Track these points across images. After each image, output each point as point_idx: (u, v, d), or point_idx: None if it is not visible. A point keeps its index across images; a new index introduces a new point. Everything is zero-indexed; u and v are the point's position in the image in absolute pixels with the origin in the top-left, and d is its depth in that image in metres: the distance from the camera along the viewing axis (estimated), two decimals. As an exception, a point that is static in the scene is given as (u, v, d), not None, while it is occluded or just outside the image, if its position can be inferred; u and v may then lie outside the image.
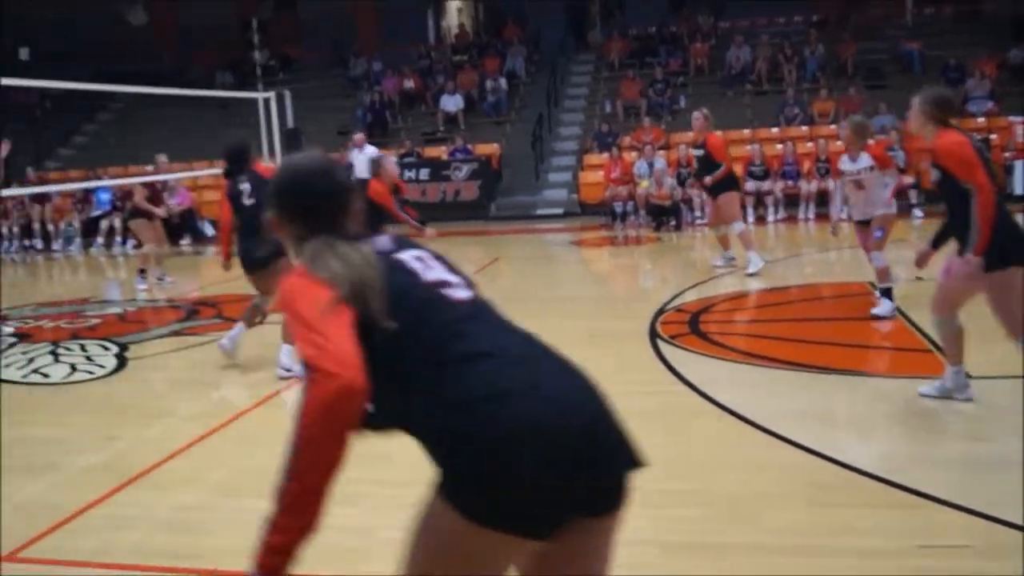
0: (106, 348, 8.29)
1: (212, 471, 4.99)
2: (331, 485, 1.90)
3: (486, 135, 20.86)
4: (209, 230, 18.64)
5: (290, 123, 14.64)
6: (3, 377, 7.56)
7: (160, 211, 11.85)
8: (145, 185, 12.11)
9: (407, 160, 19.35)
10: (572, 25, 24.36)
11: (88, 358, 7.95)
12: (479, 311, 2.11)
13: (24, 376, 7.49)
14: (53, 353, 8.19)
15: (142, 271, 11.84)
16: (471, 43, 24.99)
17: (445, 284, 2.10)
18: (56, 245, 19.08)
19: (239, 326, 7.52)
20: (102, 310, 10.67)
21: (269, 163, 14.12)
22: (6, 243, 19.44)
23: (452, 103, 21.42)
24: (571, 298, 9.92)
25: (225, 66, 25.25)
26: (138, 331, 9.15)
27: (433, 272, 2.12)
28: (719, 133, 11.40)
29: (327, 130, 21.30)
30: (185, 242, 17.95)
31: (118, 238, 18.02)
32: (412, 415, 2.05)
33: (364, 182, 14.97)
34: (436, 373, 1.97)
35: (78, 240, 18.80)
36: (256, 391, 6.58)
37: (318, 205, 2.16)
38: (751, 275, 10.10)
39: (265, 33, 21.16)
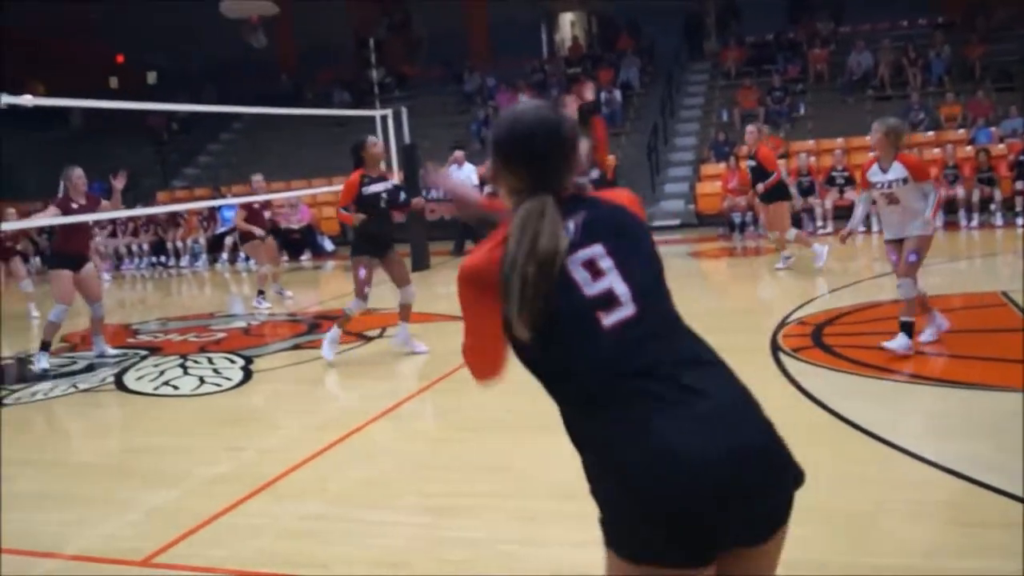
0: (232, 361, 8.51)
1: (333, 482, 5.05)
2: None
3: (600, 147, 20.76)
4: (329, 245, 19.03)
5: (407, 139, 14.80)
6: (135, 389, 7.83)
7: (258, 230, 12.07)
8: (243, 206, 12.36)
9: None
10: (687, 34, 24.11)
11: (215, 371, 8.17)
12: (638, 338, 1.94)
13: (155, 388, 7.75)
14: (182, 366, 8.45)
15: (260, 292, 12.09)
16: (585, 55, 24.98)
17: (607, 302, 1.94)
18: (183, 261, 19.75)
19: (333, 330, 8.11)
20: (227, 324, 10.98)
21: (390, 175, 14.33)
22: (136, 260, 20.22)
23: (566, 116, 21.39)
24: (690, 312, 9.71)
25: (342, 85, 25.81)
26: (262, 344, 9.37)
27: (599, 284, 1.95)
28: (770, 144, 12.68)
29: (442, 145, 21.51)
30: (305, 257, 18.37)
31: (241, 254, 18.53)
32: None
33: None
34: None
35: (204, 256, 19.42)
36: (377, 403, 6.65)
37: (543, 154, 2.03)
38: (819, 268, 11.42)
39: (381, 52, 21.55)
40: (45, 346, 8.88)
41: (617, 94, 21.90)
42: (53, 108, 27.53)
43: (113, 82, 30.48)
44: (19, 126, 27.85)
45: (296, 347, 9.19)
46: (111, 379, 8.29)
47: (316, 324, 10.16)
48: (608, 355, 1.89)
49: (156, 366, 8.46)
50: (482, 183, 17.46)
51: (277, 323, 10.83)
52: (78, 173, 8.78)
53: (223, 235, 19.04)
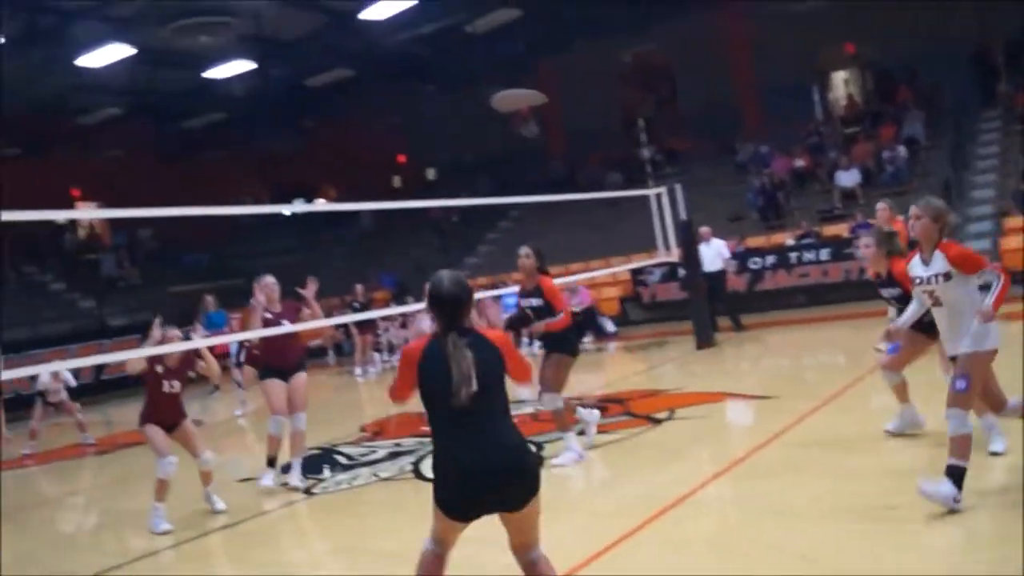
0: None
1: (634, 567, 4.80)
2: None
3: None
4: (610, 326, 19.00)
5: (682, 215, 14.58)
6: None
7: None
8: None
9: (805, 241, 18.70)
10: (975, 78, 22.46)
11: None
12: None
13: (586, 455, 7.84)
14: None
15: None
16: (862, 112, 23.94)
17: (469, 383, 3.93)
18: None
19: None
20: (517, 409, 11.01)
21: (667, 254, 14.12)
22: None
23: (848, 178, 20.49)
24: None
25: (613, 166, 26.03)
26: (551, 431, 9.28)
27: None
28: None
29: (717, 218, 21.15)
30: (587, 339, 18.38)
31: (525, 339, 18.79)
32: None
33: (712, 275, 14.58)
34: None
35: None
36: (671, 489, 6.36)
37: (452, 307, 4.05)
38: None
39: (650, 129, 21.54)
40: (270, 462, 8.58)
41: (901, 150, 20.71)
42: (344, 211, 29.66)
43: (396, 181, 32.33)
44: (315, 227, 30.08)
45: (582, 432, 9.04)
46: (410, 468, 8.47)
47: (602, 407, 9.99)
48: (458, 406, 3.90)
49: (580, 434, 8.50)
50: (734, 255, 16.90)
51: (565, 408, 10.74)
52: (269, 281, 8.62)
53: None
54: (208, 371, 7.93)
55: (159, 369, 7.52)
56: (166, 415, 7.62)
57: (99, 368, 19.96)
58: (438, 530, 4.10)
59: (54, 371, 11.26)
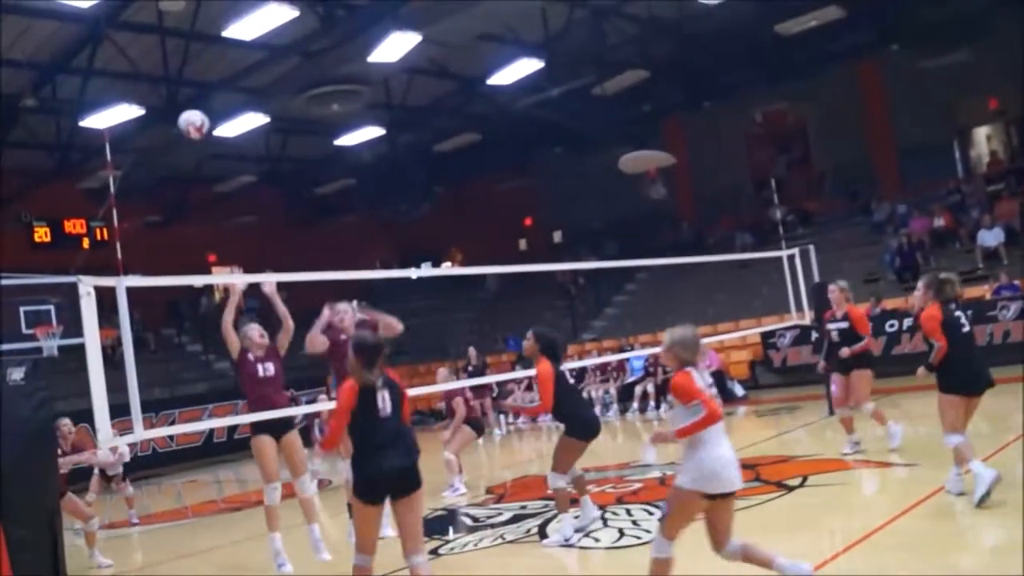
0: (650, 513, 8.26)
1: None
2: None
3: (1034, 268, 18.78)
4: (739, 390, 18.57)
5: (815, 277, 14.20)
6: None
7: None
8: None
9: (945, 303, 17.98)
10: None
11: (634, 522, 7.96)
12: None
13: (577, 540, 7.68)
14: (602, 517, 8.31)
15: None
16: (1007, 169, 22.98)
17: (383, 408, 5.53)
18: (596, 411, 20.05)
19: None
20: (643, 474, 10.80)
21: (799, 316, 13.77)
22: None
23: (991, 237, 19.67)
24: None
25: (743, 227, 25.67)
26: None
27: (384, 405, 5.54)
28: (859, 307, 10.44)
29: (853, 279, 20.49)
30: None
31: (651, 403, 18.50)
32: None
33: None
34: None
35: (615, 406, 19.61)
36: (806, 559, 6.07)
37: (372, 356, 5.60)
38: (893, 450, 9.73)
39: (781, 190, 21.19)
40: None
41: (1050, 207, 19.83)
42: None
43: (522, 244, 32.57)
44: (443, 290, 30.46)
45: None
46: (535, 530, 8.35)
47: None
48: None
49: (576, 518, 8.38)
50: (869, 317, 16.26)
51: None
52: (340, 307, 8.37)
53: (633, 384, 19.18)
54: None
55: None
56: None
57: (232, 428, 20.45)
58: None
59: (112, 446, 11.07)
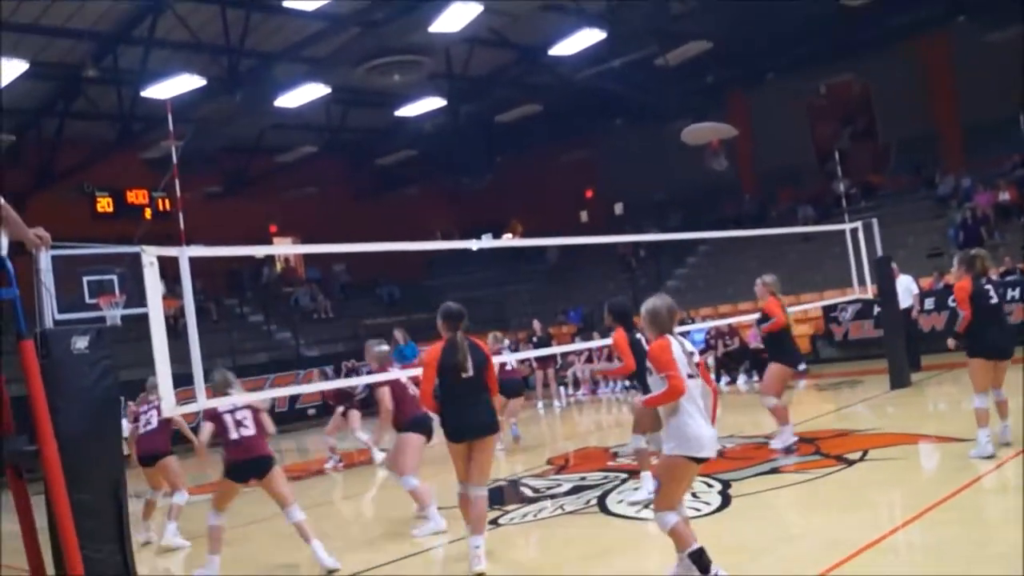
0: (710, 485, 8.37)
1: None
2: None
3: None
4: (800, 364, 18.45)
5: (878, 251, 14.10)
6: (617, 512, 7.97)
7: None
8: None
9: (1009, 279, 17.71)
10: None
11: (694, 495, 8.07)
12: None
13: (636, 511, 7.86)
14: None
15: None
16: (1074, 143, 22.52)
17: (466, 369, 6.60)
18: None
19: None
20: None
21: (861, 290, 13.73)
22: (611, 383, 20.79)
23: (1058, 212, 19.34)
24: None
25: (806, 200, 25.44)
26: (739, 468, 9.15)
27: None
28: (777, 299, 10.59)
29: (917, 254, 20.37)
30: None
31: (712, 375, 18.48)
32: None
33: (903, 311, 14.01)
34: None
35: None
36: (862, 533, 6.15)
37: (456, 321, 6.73)
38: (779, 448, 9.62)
39: (845, 163, 20.95)
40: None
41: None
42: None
43: (583, 216, 32.57)
44: (504, 261, 30.63)
45: (774, 471, 8.87)
46: (595, 501, 8.51)
47: (792, 448, 9.76)
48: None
49: (636, 489, 8.52)
50: (932, 292, 16.08)
51: (754, 446, 10.54)
52: (374, 351, 8.87)
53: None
54: None
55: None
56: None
57: (293, 398, 20.82)
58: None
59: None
